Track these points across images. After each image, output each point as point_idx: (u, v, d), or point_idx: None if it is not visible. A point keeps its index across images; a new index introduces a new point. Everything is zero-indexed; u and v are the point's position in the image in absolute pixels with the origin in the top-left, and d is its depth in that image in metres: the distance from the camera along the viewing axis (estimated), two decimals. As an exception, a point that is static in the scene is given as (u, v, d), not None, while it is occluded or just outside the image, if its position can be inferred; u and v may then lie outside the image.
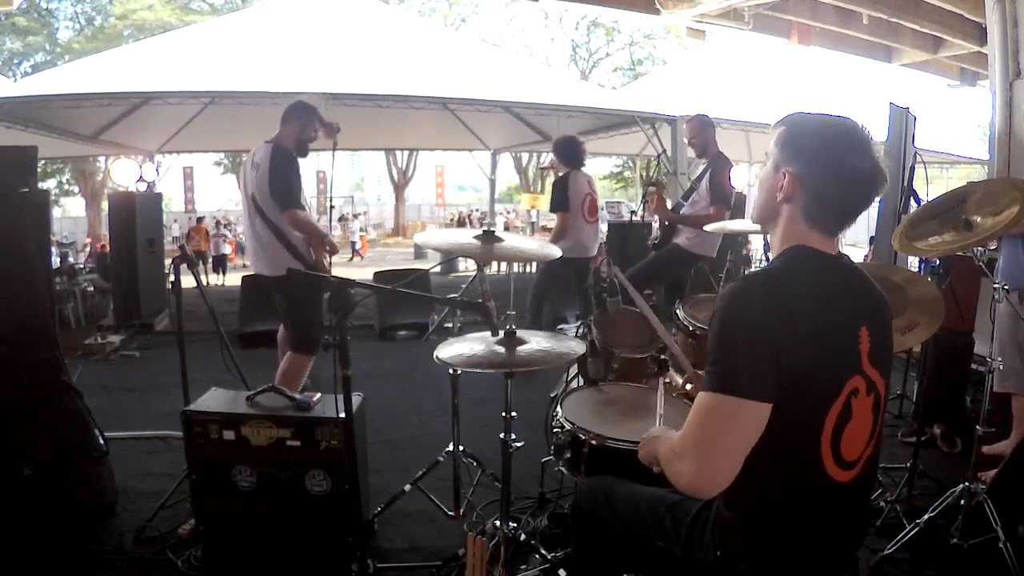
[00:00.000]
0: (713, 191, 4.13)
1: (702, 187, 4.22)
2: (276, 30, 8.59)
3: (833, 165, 1.23)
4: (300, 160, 3.41)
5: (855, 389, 1.22)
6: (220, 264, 13.35)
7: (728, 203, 4.13)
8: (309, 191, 3.63)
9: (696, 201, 4.26)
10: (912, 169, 3.49)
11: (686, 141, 4.38)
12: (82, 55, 13.72)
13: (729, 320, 1.20)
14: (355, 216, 22.44)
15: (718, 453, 1.16)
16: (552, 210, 4.91)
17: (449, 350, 2.00)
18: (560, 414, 2.06)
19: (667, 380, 2.58)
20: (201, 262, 12.75)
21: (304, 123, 3.41)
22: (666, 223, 4.45)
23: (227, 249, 14.23)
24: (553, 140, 5.10)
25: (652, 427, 1.57)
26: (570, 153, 4.86)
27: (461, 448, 2.65)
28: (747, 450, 1.16)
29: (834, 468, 1.22)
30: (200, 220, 15.57)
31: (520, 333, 2.03)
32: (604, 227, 8.41)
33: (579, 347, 2.04)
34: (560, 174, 4.85)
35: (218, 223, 15.60)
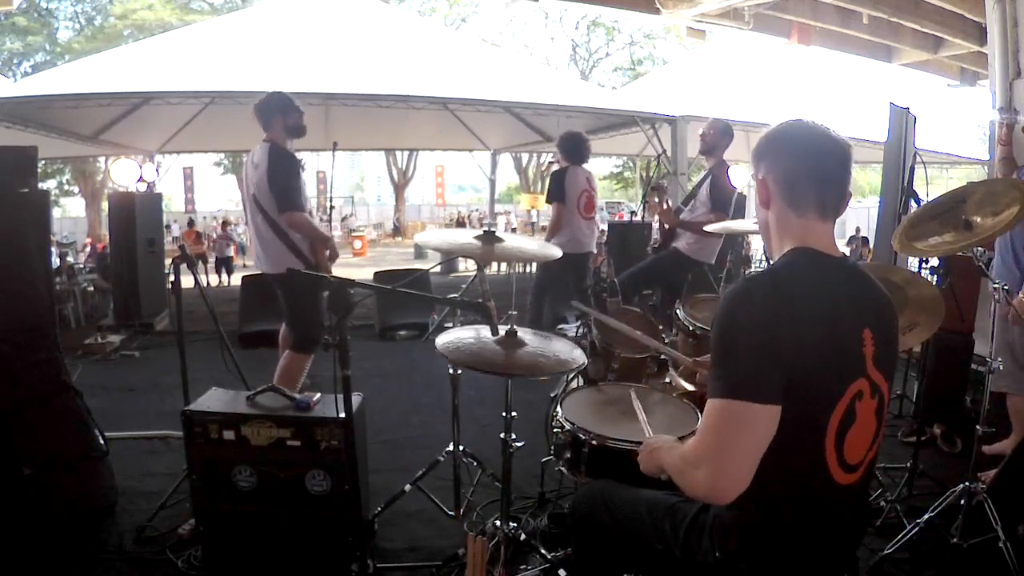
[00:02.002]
0: (714, 198, 4.13)
1: (702, 193, 4.22)
2: (276, 30, 8.58)
3: (786, 146, 1.30)
4: (300, 161, 3.41)
5: (859, 392, 1.21)
6: (224, 265, 13.06)
7: (728, 210, 4.13)
8: (309, 191, 3.63)
9: (696, 208, 4.26)
10: (912, 169, 3.48)
11: (699, 135, 4.36)
12: (82, 55, 13.70)
13: (731, 323, 1.20)
14: (343, 218, 22.45)
15: (735, 458, 1.16)
16: (548, 201, 4.91)
17: (448, 337, 1.98)
18: (560, 414, 2.06)
19: (667, 380, 2.59)
20: (201, 262, 12.65)
21: (283, 112, 3.38)
22: (666, 227, 4.46)
23: (231, 251, 13.95)
24: (559, 135, 5.07)
25: (648, 437, 1.58)
26: (573, 148, 4.87)
27: (461, 448, 2.65)
28: (762, 451, 1.16)
29: (838, 471, 1.22)
30: (191, 224, 15.51)
31: (520, 334, 2.02)
32: (604, 227, 8.43)
33: (580, 356, 2.00)
34: (559, 167, 4.86)
35: (224, 224, 15.45)
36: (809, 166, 1.27)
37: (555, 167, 5.09)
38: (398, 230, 25.84)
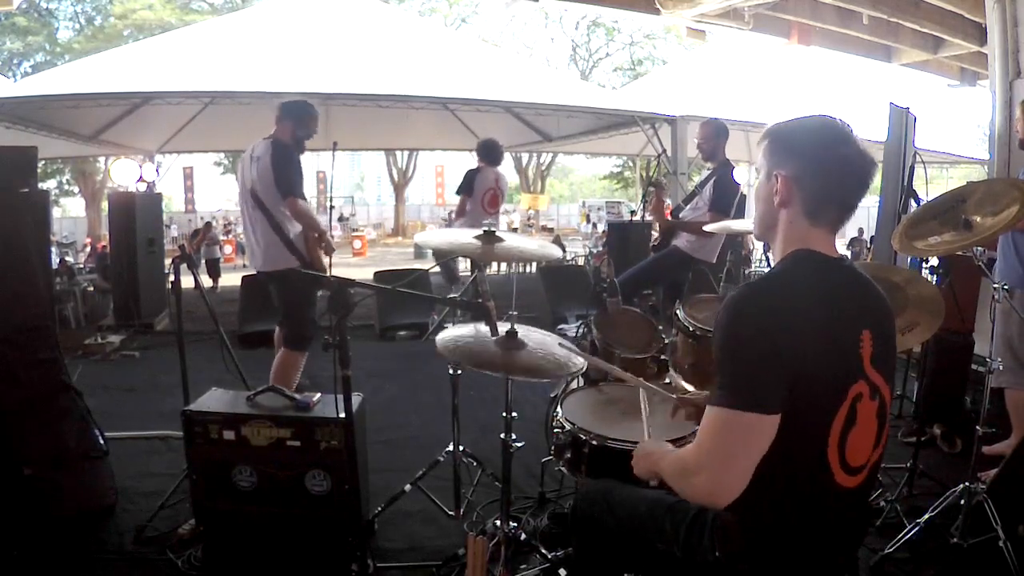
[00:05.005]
0: (715, 198, 4.09)
1: (705, 192, 4.19)
2: (276, 30, 8.59)
3: (824, 157, 1.24)
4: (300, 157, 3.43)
5: (859, 394, 1.21)
6: (211, 268, 12.13)
7: (727, 213, 4.10)
8: (309, 191, 3.64)
9: (698, 206, 4.24)
10: (912, 169, 3.49)
11: (696, 143, 4.35)
12: (82, 55, 13.71)
13: (733, 331, 1.19)
14: (340, 218, 22.42)
15: (735, 467, 1.16)
16: (457, 192, 5.65)
17: (448, 334, 1.98)
18: (560, 414, 2.06)
19: (667, 381, 2.59)
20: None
21: (297, 122, 3.42)
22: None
23: (218, 253, 13.45)
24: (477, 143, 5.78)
25: (643, 442, 1.57)
26: (488, 152, 5.66)
27: (461, 448, 2.65)
28: (759, 458, 1.16)
29: (841, 475, 1.21)
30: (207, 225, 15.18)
31: (520, 334, 2.02)
32: (602, 227, 8.45)
33: (579, 362, 1.98)
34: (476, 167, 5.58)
35: (208, 225, 14.96)
36: (843, 196, 1.26)
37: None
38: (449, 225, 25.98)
